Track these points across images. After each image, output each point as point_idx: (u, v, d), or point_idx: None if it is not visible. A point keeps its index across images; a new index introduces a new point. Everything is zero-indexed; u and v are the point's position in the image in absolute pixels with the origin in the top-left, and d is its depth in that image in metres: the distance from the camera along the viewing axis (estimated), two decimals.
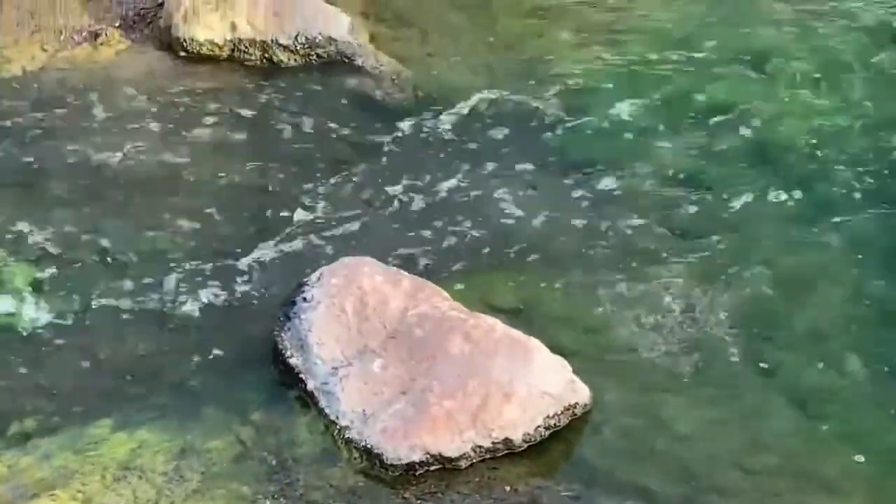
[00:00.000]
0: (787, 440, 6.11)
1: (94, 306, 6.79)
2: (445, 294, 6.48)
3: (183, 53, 8.65)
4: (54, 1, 8.88)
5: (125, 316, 6.76)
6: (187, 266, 7.03)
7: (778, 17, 9.01)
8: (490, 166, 7.83)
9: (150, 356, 6.55)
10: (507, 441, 5.93)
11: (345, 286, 6.41)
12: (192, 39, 8.59)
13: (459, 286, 6.86)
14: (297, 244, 7.22)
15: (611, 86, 8.48)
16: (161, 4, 8.81)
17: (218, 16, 8.63)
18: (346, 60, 8.65)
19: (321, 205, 7.51)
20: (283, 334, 6.39)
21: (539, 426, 6.01)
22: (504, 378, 5.98)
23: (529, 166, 7.83)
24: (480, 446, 5.90)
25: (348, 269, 6.50)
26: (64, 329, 6.66)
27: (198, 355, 6.53)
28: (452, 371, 6.04)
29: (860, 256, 7.10)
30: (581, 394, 6.13)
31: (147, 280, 6.94)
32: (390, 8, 9.28)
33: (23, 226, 7.23)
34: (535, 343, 6.14)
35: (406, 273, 6.58)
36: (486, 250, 7.22)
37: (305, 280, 6.55)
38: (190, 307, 6.80)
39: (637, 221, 7.40)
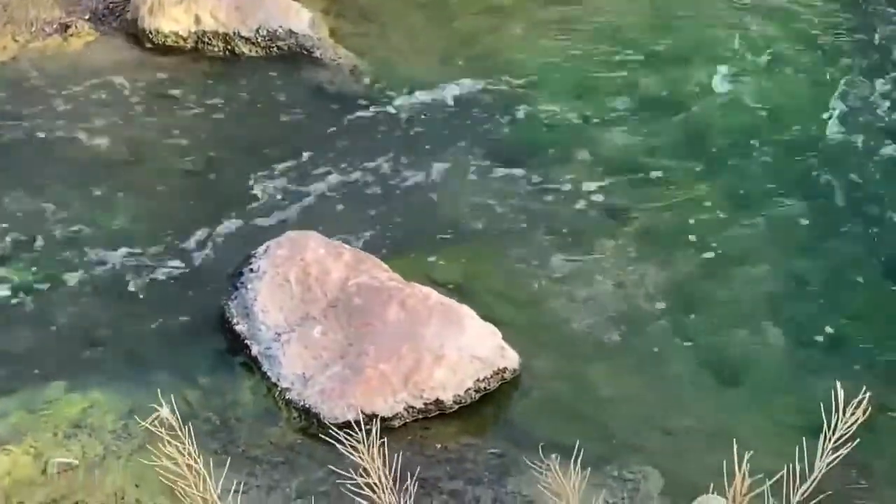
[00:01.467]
0: (704, 403, 6.45)
1: (52, 278, 7.12)
2: (385, 266, 6.82)
3: (149, 45, 9.01)
4: None
5: (82, 287, 7.10)
6: (144, 241, 7.38)
7: (719, 13, 9.34)
8: (439, 153, 8.16)
9: (104, 325, 6.88)
10: (437, 402, 6.25)
11: (289, 257, 6.75)
12: (158, 31, 8.95)
13: (403, 261, 7.16)
14: (251, 222, 7.56)
15: (559, 78, 8.83)
16: None
17: (182, 9, 8.99)
18: (306, 53, 9.00)
19: (274, 186, 7.85)
20: (230, 303, 6.73)
21: (469, 388, 6.33)
22: (436, 343, 6.31)
23: (477, 153, 8.17)
24: (412, 407, 6.22)
25: (293, 242, 6.84)
26: (22, 300, 6.98)
27: (150, 324, 6.86)
28: (388, 336, 6.37)
29: (782, 238, 7.45)
30: (510, 359, 6.45)
31: (104, 254, 7.30)
32: (352, 5, 9.63)
33: None
34: (466, 310, 6.47)
35: (348, 247, 6.89)
36: (431, 229, 7.56)
37: (253, 252, 6.88)
38: (144, 280, 7.15)
39: (575, 204, 7.74)
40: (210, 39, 8.98)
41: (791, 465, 4.84)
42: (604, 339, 6.78)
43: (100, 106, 8.43)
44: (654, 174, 7.94)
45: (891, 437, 6.23)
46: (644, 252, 7.35)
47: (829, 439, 4.68)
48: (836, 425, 4.72)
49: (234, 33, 8.97)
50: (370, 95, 8.68)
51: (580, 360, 6.66)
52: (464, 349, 6.28)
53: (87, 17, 9.19)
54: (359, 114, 8.50)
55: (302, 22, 9.14)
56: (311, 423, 6.18)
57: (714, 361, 6.67)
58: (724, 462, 5.84)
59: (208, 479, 4.95)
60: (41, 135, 8.20)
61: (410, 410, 6.22)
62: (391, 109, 8.53)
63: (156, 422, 4.95)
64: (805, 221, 7.53)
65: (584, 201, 7.74)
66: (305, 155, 8.08)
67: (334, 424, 6.07)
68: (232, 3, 9.03)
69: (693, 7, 9.42)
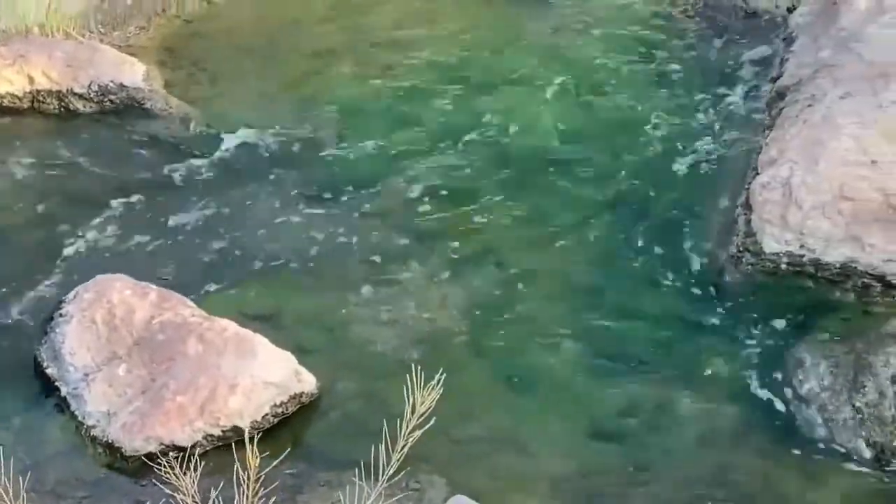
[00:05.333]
0: (494, 413, 6.76)
1: None
2: (190, 303, 7.10)
3: None
4: None
5: None
6: None
7: (538, 43, 9.75)
8: (263, 192, 8.49)
9: None
10: (235, 428, 6.52)
11: (95, 300, 7.03)
12: None
13: (217, 298, 7.45)
14: (73, 270, 7.80)
15: (380, 114, 9.18)
16: None
17: (15, 70, 9.29)
18: (138, 105, 9.31)
19: (99, 234, 8.14)
20: (41, 348, 6.99)
21: (266, 414, 6.61)
22: (231, 372, 6.60)
23: (298, 189, 8.51)
24: (211, 434, 6.50)
25: (100, 285, 7.13)
26: None
27: None
28: (187, 369, 6.65)
29: (582, 256, 7.80)
30: (307, 383, 6.75)
31: None
32: (185, 55, 9.96)
33: None
34: (260, 339, 6.76)
35: (154, 287, 7.18)
36: (247, 265, 7.86)
37: (63, 297, 7.15)
38: None
39: (387, 232, 8.07)
40: (44, 98, 9.28)
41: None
42: (404, 359, 7.05)
43: None
44: (464, 200, 8.27)
45: (666, 433, 6.60)
46: (449, 274, 7.68)
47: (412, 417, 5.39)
48: (414, 405, 5.45)
49: (68, 90, 9.27)
50: (198, 142, 9.01)
51: (379, 380, 6.94)
52: (257, 376, 6.56)
53: None
54: (186, 160, 8.83)
55: (136, 75, 9.43)
56: (115, 457, 6.43)
57: (508, 373, 6.98)
58: (508, 466, 6.21)
59: None
60: None
61: (209, 438, 6.46)
62: (218, 154, 8.87)
63: None
64: (605, 240, 7.88)
65: (394, 228, 8.07)
66: (132, 202, 8.38)
67: (136, 456, 6.30)
68: (64, 61, 9.32)
69: (512, 39, 9.80)
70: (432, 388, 5.32)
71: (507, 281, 7.60)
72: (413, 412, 5.16)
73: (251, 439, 5.98)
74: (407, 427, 5.20)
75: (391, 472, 5.36)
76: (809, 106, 7.63)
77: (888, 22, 8.05)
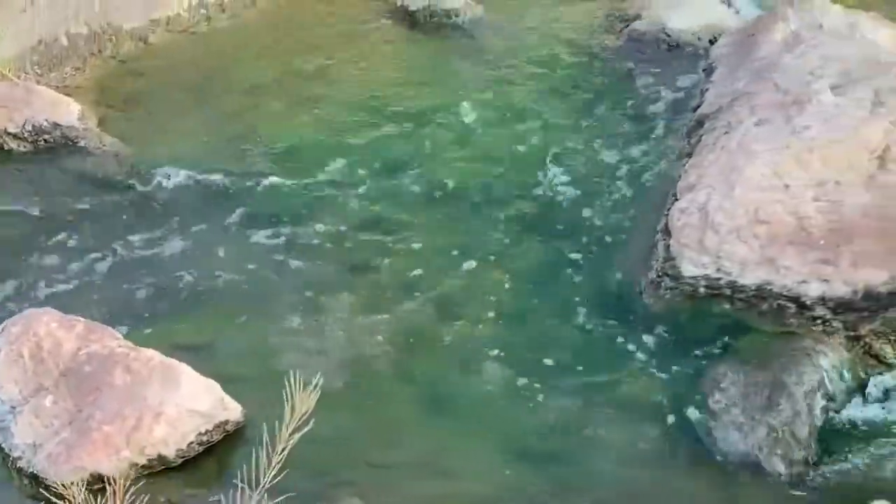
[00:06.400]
0: (416, 438, 6.86)
1: None
2: (117, 335, 7.18)
3: None
4: None
5: None
6: None
7: (464, 76, 9.94)
8: (193, 226, 8.59)
9: None
10: (161, 457, 6.59)
11: (23, 333, 7.09)
12: None
13: (147, 330, 7.54)
14: (2, 305, 7.85)
15: (310, 149, 9.33)
16: None
17: None
18: (72, 143, 9.41)
19: (32, 269, 8.18)
20: None
21: (191, 442, 6.68)
22: (155, 401, 6.67)
23: (229, 223, 8.62)
24: (136, 463, 6.56)
25: (27, 319, 7.18)
26: None
27: None
28: (113, 399, 6.72)
29: (505, 283, 7.94)
30: (232, 412, 6.83)
31: None
32: (120, 94, 10.10)
33: None
34: (184, 368, 6.84)
35: (83, 319, 7.25)
36: (178, 297, 7.95)
37: None
38: None
39: (318, 264, 8.19)
40: None
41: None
42: (330, 387, 7.10)
43: None
44: (393, 230, 8.40)
45: (586, 453, 6.75)
46: (378, 303, 7.78)
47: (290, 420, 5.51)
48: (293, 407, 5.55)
49: (2, 130, 9.37)
50: (131, 177, 9.13)
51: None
52: (182, 405, 6.63)
53: None
54: (118, 196, 8.90)
55: (71, 115, 9.55)
56: (39, 487, 6.46)
57: (432, 399, 7.09)
58: (427, 489, 6.31)
59: None
60: None
61: (135, 467, 6.51)
62: (149, 189, 8.96)
63: None
64: (529, 268, 8.04)
65: (324, 259, 8.17)
66: (62, 238, 8.42)
67: (61, 486, 6.34)
68: None
69: (440, 75, 9.98)
70: (311, 392, 5.65)
71: (433, 308, 7.72)
72: (292, 414, 5.19)
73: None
74: (286, 430, 5.23)
75: (272, 474, 5.50)
76: (726, 133, 7.82)
77: (802, 52, 8.26)
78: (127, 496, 6.34)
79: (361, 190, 8.84)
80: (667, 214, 7.64)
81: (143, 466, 6.58)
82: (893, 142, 7.41)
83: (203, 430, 6.72)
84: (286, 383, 5.44)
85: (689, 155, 8.07)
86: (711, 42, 9.48)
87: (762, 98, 7.99)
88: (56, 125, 9.41)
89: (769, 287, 7.19)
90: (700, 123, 8.28)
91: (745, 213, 7.32)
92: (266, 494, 5.68)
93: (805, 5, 8.99)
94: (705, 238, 7.34)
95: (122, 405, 6.66)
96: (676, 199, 7.66)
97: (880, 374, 7.06)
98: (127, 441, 6.55)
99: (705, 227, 7.36)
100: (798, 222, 7.21)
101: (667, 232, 7.53)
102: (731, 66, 8.69)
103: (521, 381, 7.23)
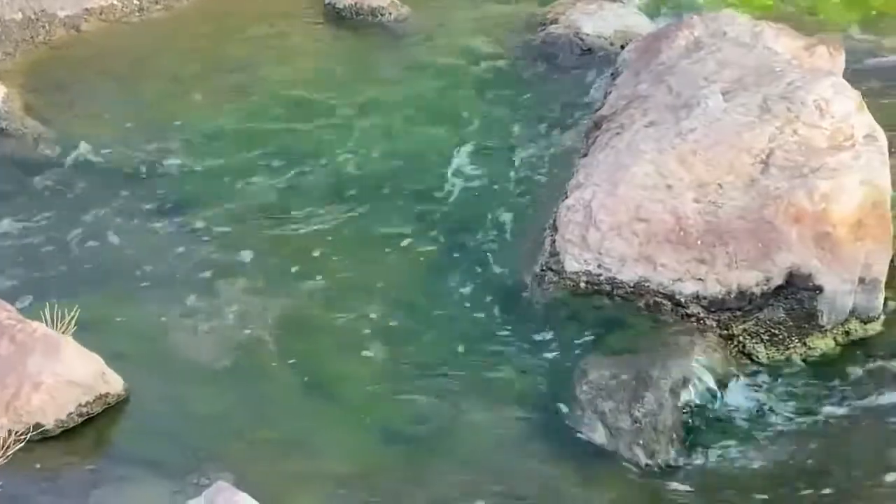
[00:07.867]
0: (291, 417, 7.05)
1: None
2: (9, 307, 7.35)
3: None
4: None
5: None
6: None
7: (381, 75, 10.17)
8: (103, 208, 8.81)
9: None
10: (38, 426, 6.76)
11: None
12: None
13: (43, 305, 7.68)
14: None
15: (226, 137, 9.54)
16: None
17: None
18: None
19: None
20: None
21: (71, 413, 6.87)
22: (35, 371, 6.84)
23: (137, 206, 8.83)
24: (14, 431, 6.72)
25: None
26: None
27: None
28: None
29: (398, 273, 8.15)
30: (114, 385, 7.03)
31: None
32: (48, 80, 10.30)
33: None
34: (67, 340, 7.03)
35: None
36: (78, 275, 8.18)
37: None
38: None
39: (220, 248, 8.39)
40: None
41: None
42: (215, 366, 7.36)
43: None
44: (296, 218, 8.61)
45: (454, 438, 6.97)
46: (273, 288, 7.99)
47: None
48: None
49: None
50: (48, 160, 9.34)
51: (188, 385, 7.23)
52: (61, 375, 6.82)
53: None
54: (32, 177, 9.10)
55: None
56: None
57: (312, 381, 7.30)
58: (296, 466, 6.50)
59: None
60: None
61: (13, 434, 6.68)
62: (64, 171, 9.16)
63: None
64: (424, 260, 8.26)
65: (227, 245, 8.37)
66: None
67: None
68: None
69: (359, 72, 10.22)
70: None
71: (326, 295, 7.91)
72: None
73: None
74: None
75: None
76: (618, 134, 8.02)
77: (700, 57, 8.46)
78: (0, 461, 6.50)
79: (271, 179, 9.03)
80: (556, 211, 7.82)
81: (20, 434, 6.70)
82: (778, 147, 7.57)
83: (83, 402, 6.90)
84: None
85: (585, 155, 8.25)
86: (622, 47, 9.68)
87: (655, 100, 8.19)
88: None
89: (646, 284, 7.39)
90: (597, 125, 8.47)
91: (626, 210, 7.51)
92: None
93: (714, 14, 9.20)
94: (588, 234, 7.53)
95: (4, 374, 6.82)
96: (567, 197, 7.84)
97: (751, 373, 7.22)
98: (6, 409, 6.71)
99: (589, 224, 7.55)
100: (676, 221, 7.40)
101: (554, 228, 7.73)
102: (634, 70, 8.89)
103: (400, 367, 7.42)
